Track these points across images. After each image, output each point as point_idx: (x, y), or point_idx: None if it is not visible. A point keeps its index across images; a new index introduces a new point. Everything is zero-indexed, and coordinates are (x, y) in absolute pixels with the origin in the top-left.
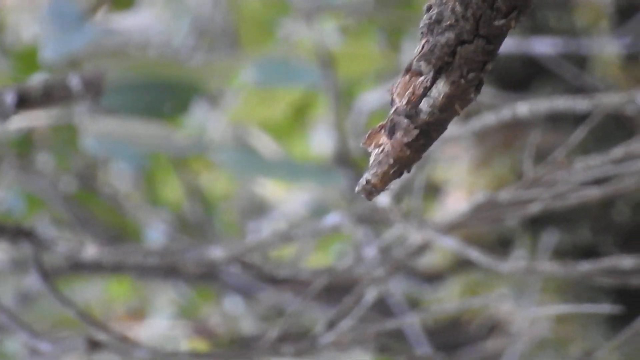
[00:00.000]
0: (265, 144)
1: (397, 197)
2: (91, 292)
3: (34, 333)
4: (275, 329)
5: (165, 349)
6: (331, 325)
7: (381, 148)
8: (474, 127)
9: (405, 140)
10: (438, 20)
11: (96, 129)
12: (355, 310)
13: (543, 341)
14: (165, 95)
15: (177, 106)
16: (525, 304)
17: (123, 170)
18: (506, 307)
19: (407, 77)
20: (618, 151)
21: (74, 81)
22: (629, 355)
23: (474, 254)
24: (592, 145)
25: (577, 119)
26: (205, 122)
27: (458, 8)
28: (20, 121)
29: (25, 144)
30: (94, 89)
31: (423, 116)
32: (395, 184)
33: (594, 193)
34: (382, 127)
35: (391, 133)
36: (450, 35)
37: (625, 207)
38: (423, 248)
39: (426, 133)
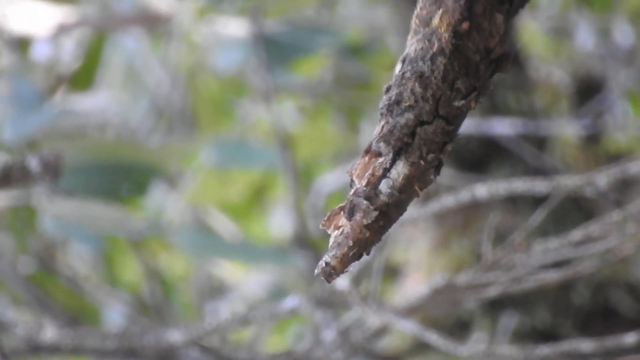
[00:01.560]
0: (224, 225)
1: (356, 280)
2: None
3: None
4: None
5: None
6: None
7: (340, 230)
8: (432, 208)
9: (365, 222)
10: (397, 101)
11: (54, 211)
12: None
13: None
14: (123, 177)
15: (135, 188)
16: None
17: (81, 251)
18: None
19: (367, 158)
20: (577, 234)
21: (33, 163)
22: None
23: (433, 337)
24: (551, 228)
25: (536, 200)
26: (164, 203)
27: (417, 89)
28: None
29: None
30: (52, 170)
31: (382, 197)
32: (354, 266)
33: (552, 276)
34: (341, 208)
35: (350, 215)
36: (409, 116)
37: (585, 289)
38: (381, 331)
39: (385, 214)
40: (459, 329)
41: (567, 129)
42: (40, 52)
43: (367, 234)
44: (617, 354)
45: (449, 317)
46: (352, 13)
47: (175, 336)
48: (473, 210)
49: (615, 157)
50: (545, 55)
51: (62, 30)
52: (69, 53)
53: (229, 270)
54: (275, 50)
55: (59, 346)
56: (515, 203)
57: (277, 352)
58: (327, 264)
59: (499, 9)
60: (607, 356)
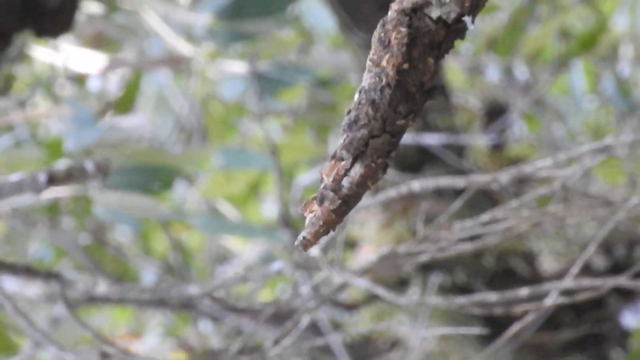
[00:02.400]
0: (228, 211)
1: (324, 249)
2: (102, 318)
3: (60, 348)
4: (236, 344)
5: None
6: (276, 342)
7: (314, 213)
8: (380, 198)
9: (331, 207)
10: (355, 121)
11: (104, 200)
12: (293, 331)
13: (430, 354)
14: (154, 176)
15: (163, 184)
16: (417, 327)
17: (124, 230)
18: (404, 329)
19: (333, 162)
20: (485, 216)
21: (89, 165)
22: None
23: (381, 291)
24: (467, 212)
25: (456, 192)
26: (184, 195)
27: (370, 112)
28: (50, 194)
29: (53, 210)
30: (102, 171)
31: (344, 190)
32: (323, 240)
33: (467, 247)
34: (314, 198)
35: (321, 202)
36: (364, 131)
37: (491, 257)
38: (343, 286)
39: (346, 203)
40: (399, 285)
41: (479, 141)
42: (93, 85)
43: (333, 217)
44: (514, 303)
45: (392, 276)
46: (322, 56)
47: (193, 290)
48: (410, 199)
49: (514, 161)
50: (463, 87)
51: (109, 69)
52: (115, 85)
53: (232, 243)
54: (266, 83)
55: (108, 298)
56: (441, 194)
57: (267, 301)
58: (304, 238)
59: (430, 54)
60: (507, 305)
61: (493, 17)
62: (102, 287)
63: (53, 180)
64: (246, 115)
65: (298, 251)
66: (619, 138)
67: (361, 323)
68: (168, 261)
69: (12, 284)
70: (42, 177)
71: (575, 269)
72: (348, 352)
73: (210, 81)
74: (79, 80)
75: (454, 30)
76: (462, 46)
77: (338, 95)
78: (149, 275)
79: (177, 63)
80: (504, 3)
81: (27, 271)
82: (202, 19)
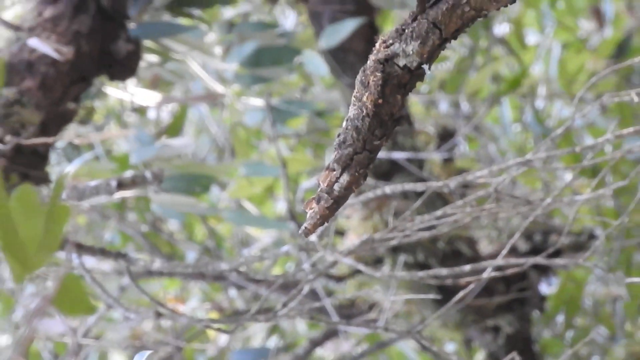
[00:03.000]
0: (250, 208)
1: (320, 236)
2: (157, 286)
3: (126, 309)
4: (255, 306)
5: (196, 317)
6: (284, 305)
7: (313, 210)
8: (361, 198)
9: (326, 205)
10: (343, 141)
11: (159, 200)
12: (297, 297)
13: (398, 313)
14: (195, 182)
15: (202, 188)
16: (388, 294)
17: (173, 222)
18: (378, 295)
19: (327, 172)
20: (438, 212)
21: (147, 174)
22: (444, 321)
23: (361, 267)
24: (425, 209)
25: (417, 194)
26: (218, 196)
27: (354, 135)
28: (119, 195)
29: (121, 207)
30: (158, 178)
31: (335, 193)
32: (320, 230)
33: (425, 234)
34: (313, 199)
35: (318, 202)
36: (350, 150)
37: (443, 242)
38: (334, 263)
39: (337, 202)
40: (375, 263)
41: (433, 156)
42: (151, 115)
43: (327, 212)
44: (460, 276)
45: (370, 256)
46: (318, 94)
47: (223, 266)
48: (383, 199)
49: (459, 171)
50: (422, 116)
51: (163, 103)
52: (167, 115)
53: (252, 231)
54: (277, 114)
55: (161, 271)
56: (406, 196)
57: (278, 274)
58: (305, 228)
59: (398, 92)
60: (454, 277)
61: (443, 65)
62: (157, 263)
63: (121, 185)
64: (263, 138)
65: (301, 237)
66: (536, 154)
67: (347, 291)
68: (205, 245)
69: (90, 261)
70: (113, 183)
71: (504, 251)
72: (337, 312)
73: (237, 112)
74: (141, 111)
75: (415, 74)
76: (422, 86)
77: (330, 122)
78: (191, 254)
79: (213, 99)
80: (450, 54)
81: (102, 252)
82: (231, 67)
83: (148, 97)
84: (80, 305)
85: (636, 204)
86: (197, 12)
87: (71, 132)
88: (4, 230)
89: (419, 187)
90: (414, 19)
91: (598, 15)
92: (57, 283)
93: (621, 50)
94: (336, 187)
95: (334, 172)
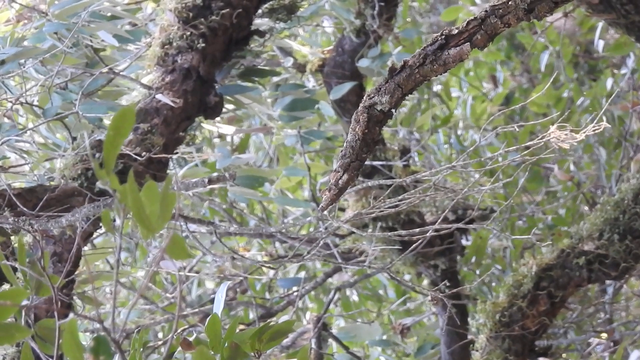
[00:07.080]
0: (288, 194)
1: (330, 211)
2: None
3: (214, 254)
4: (291, 253)
5: (256, 259)
6: (308, 252)
7: (326, 196)
8: (355, 188)
9: (334, 193)
10: (344, 155)
11: (233, 190)
12: (316, 247)
13: (377, 257)
14: (254, 180)
15: (258, 184)
16: (371, 246)
17: (242, 203)
18: (365, 246)
19: (334, 173)
20: (400, 197)
21: (226, 175)
22: (404, 261)
23: (355, 229)
24: (392, 195)
25: (388, 186)
26: (269, 189)
27: (350, 151)
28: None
29: (210, 194)
30: (232, 177)
31: (339, 185)
32: (330, 208)
33: (392, 210)
34: (326, 189)
35: (329, 191)
36: (347, 159)
37: (403, 214)
38: (338, 227)
39: (340, 192)
40: (363, 227)
41: (398, 164)
42: (229, 139)
43: (334, 197)
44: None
45: (361, 222)
46: (329, 127)
47: (272, 229)
48: (368, 189)
49: (413, 172)
50: (390, 140)
51: (236, 132)
52: (237, 139)
53: (289, 208)
54: (304, 139)
55: (235, 232)
56: (381, 187)
57: (305, 235)
58: (321, 206)
59: (377, 125)
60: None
61: (402, 109)
62: (232, 227)
63: (210, 181)
64: (296, 153)
65: (319, 212)
66: (458, 162)
67: (347, 243)
68: (260, 216)
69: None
70: (205, 180)
71: (440, 220)
72: (341, 256)
73: (280, 138)
74: (222, 137)
75: (387, 115)
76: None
77: (336, 143)
78: (252, 222)
79: (266, 130)
80: (407, 102)
81: (199, 221)
82: (277, 111)
83: (227, 129)
84: (183, 253)
85: (517, 192)
86: (257, 79)
87: (181, 150)
88: (136, 208)
89: (389, 182)
90: (386, 82)
91: (494, 79)
92: (169, 240)
93: (507, 100)
94: (340, 182)
95: (338, 173)
